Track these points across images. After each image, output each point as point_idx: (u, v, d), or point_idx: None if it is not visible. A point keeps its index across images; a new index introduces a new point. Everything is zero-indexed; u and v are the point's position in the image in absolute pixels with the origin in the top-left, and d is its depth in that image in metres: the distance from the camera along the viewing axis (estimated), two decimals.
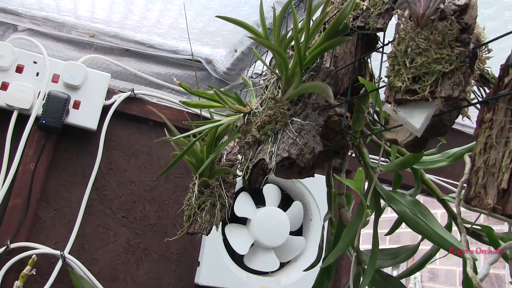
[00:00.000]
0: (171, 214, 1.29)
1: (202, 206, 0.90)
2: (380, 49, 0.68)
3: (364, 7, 0.59)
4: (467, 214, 0.91)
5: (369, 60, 0.70)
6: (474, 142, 0.81)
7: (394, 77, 0.50)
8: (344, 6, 0.59)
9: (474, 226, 0.84)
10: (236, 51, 1.29)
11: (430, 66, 0.46)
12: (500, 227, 2.34)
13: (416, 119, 0.50)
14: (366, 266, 0.86)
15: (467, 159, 0.46)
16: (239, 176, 0.93)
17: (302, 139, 0.65)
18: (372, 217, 0.83)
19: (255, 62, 1.28)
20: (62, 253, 1.13)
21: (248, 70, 1.35)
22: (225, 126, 0.86)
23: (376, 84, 0.59)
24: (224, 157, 0.95)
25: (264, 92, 0.75)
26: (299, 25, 0.68)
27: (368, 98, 0.71)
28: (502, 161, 0.44)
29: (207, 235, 0.88)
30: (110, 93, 1.26)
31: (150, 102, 1.30)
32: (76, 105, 1.21)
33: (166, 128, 0.91)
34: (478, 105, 0.50)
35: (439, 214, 2.28)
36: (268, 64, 0.94)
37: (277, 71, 0.71)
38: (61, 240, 1.17)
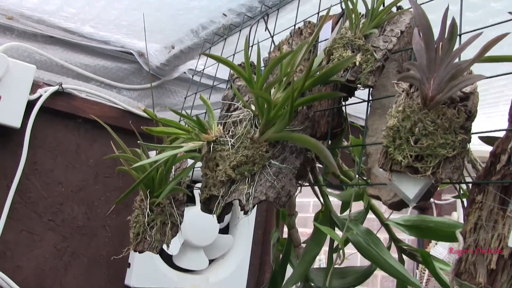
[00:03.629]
0: (101, 215, 1.24)
1: (151, 224, 0.87)
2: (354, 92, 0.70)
3: (357, 63, 0.60)
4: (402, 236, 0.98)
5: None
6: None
7: (394, 149, 0.52)
8: (340, 60, 0.60)
9: (409, 247, 0.92)
10: (173, 47, 1.24)
11: (435, 150, 0.49)
12: None
13: (410, 190, 0.53)
14: (312, 284, 0.91)
15: (459, 237, 0.50)
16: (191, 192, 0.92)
17: (279, 183, 0.66)
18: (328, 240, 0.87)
19: (198, 59, 1.24)
20: None
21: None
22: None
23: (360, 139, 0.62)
24: (173, 173, 0.93)
25: (234, 125, 0.74)
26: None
27: (341, 142, 0.73)
28: (491, 242, 0.49)
29: (156, 253, 0.87)
30: (35, 86, 1.15)
31: (78, 96, 1.21)
32: None
33: (116, 140, 0.85)
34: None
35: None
36: (228, 74, 0.92)
37: (252, 107, 0.71)
38: None
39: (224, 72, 0.98)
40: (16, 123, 1.11)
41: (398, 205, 0.59)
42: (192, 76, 1.20)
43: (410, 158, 0.51)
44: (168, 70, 1.33)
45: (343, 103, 0.70)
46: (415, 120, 0.51)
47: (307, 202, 2.80)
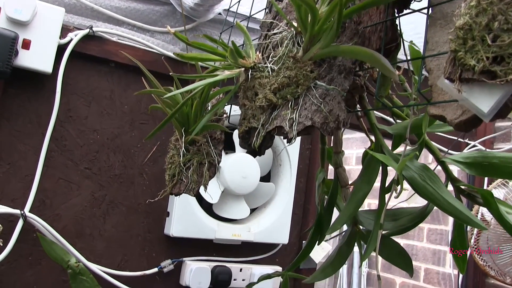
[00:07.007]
0: (138, 163, 1.20)
1: (187, 165, 0.82)
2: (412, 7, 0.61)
3: None
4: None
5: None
6: None
7: (465, 53, 0.44)
8: None
9: (468, 187, 0.83)
10: None
11: None
12: None
13: (485, 103, 0.45)
14: (361, 227, 0.84)
15: None
16: (229, 132, 0.86)
17: (327, 106, 0.59)
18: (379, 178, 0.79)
19: None
20: (22, 212, 1.02)
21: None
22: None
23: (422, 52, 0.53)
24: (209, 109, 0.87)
25: (274, 49, 0.67)
26: None
27: (395, 60, 0.65)
28: None
29: (194, 196, 0.82)
30: (65, 30, 1.11)
31: (110, 40, 1.16)
32: (26, 44, 1.05)
33: (143, 76, 0.79)
34: None
35: None
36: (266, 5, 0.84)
37: (294, 24, 0.63)
38: (19, 197, 1.05)
39: (259, 14, 0.91)
40: (47, 68, 1.07)
41: (468, 123, 0.50)
42: (226, 14, 1.12)
43: (487, 60, 0.42)
44: (203, 11, 1.25)
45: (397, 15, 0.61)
46: (493, 13, 0.42)
47: (349, 154, 2.71)
